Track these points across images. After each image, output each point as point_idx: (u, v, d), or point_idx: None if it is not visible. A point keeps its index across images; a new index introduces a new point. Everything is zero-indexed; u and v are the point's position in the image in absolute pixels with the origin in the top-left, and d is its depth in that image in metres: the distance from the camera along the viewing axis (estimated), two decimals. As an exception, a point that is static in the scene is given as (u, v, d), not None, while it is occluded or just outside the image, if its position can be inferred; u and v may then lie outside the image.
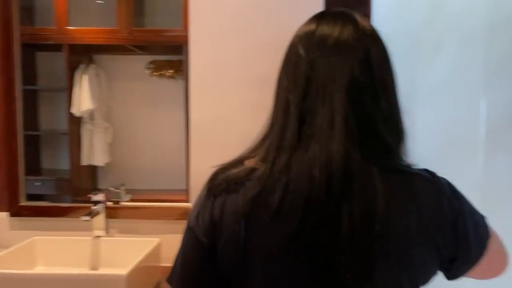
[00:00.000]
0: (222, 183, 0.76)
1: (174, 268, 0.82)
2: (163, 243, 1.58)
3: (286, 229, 0.70)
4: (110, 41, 1.95)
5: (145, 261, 1.45)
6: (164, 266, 1.57)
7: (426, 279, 0.77)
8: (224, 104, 1.04)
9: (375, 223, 0.69)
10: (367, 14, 1.11)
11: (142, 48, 2.14)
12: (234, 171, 0.76)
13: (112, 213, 1.62)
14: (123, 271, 1.28)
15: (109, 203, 1.65)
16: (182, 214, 1.47)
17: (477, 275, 0.83)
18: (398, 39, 1.11)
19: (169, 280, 0.82)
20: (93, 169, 2.23)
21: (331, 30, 0.76)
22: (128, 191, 1.86)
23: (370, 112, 0.73)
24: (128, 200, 1.75)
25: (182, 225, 1.55)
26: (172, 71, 2.22)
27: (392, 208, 0.70)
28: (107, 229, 1.58)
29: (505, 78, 1.15)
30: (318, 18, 0.80)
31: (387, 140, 0.74)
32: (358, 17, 0.79)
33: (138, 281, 1.41)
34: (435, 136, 1.16)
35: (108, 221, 1.60)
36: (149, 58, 2.22)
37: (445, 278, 0.80)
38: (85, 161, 2.19)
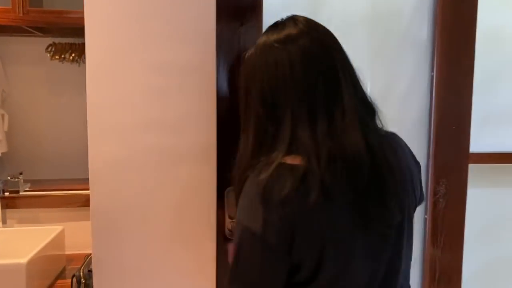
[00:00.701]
0: (288, 193, 0.80)
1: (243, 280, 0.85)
2: (67, 231, 1.59)
3: (348, 202, 0.84)
4: (3, 21, 1.86)
5: (47, 249, 1.46)
6: (69, 254, 1.60)
7: None
8: (122, 89, 1.09)
9: (402, 175, 0.92)
10: (259, 4, 1.23)
11: (42, 30, 2.06)
12: (289, 178, 0.81)
13: (10, 203, 1.60)
14: (23, 259, 1.30)
15: (6, 193, 1.63)
16: (86, 201, 1.49)
17: None
18: None
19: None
20: (-12, 160, 2.16)
21: (311, 32, 0.89)
22: (30, 182, 1.83)
23: (365, 94, 0.92)
24: (28, 189, 1.74)
25: (86, 212, 1.57)
26: (74, 54, 2.18)
27: (405, 162, 0.95)
28: (4, 220, 1.56)
29: (383, 63, 1.34)
30: (293, 23, 0.90)
31: (378, 114, 0.93)
32: None
33: (40, 269, 1.42)
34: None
35: (6, 211, 1.58)
36: (50, 40, 2.15)
37: None
38: (-23, 150, 2.10)
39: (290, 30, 0.89)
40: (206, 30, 1.10)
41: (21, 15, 1.85)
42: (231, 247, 1.16)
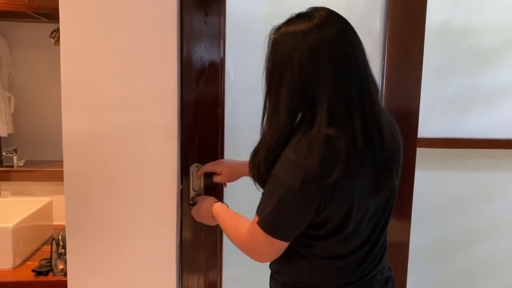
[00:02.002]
0: (339, 175, 0.96)
1: (277, 224, 1.03)
2: (57, 204, 1.78)
3: (369, 172, 1.01)
4: (9, 7, 1.95)
5: (34, 217, 1.65)
6: (57, 224, 1.78)
7: None
8: (93, 71, 1.22)
9: (399, 148, 1.10)
10: (222, 2, 1.36)
11: (47, 16, 2.15)
12: (338, 159, 0.96)
13: (4, 176, 1.78)
14: (10, 224, 1.48)
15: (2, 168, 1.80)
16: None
17: None
18: (248, 25, 1.42)
19: (270, 230, 1.03)
20: (-5, 140, 2.28)
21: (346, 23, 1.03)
22: (33, 162, 1.99)
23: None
24: (22, 164, 1.93)
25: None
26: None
27: (400, 136, 1.13)
28: (-1, 191, 1.75)
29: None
30: (321, 12, 1.02)
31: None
32: None
33: (27, 235, 1.61)
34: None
35: (0, 184, 1.76)
36: (55, 26, 2.19)
37: None
38: (-15, 131, 2.20)
39: (322, 16, 1.00)
40: (169, 18, 1.24)
41: (27, 1, 1.94)
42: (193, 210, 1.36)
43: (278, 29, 1.05)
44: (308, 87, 0.99)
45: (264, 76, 1.07)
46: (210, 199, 1.33)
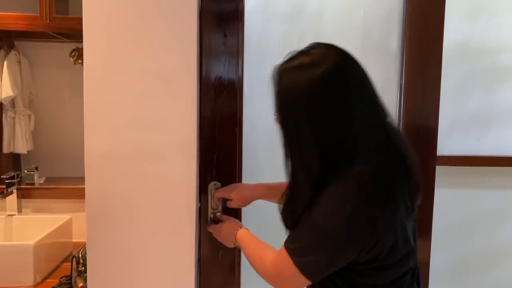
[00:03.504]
0: (386, 215, 0.98)
1: (316, 266, 1.02)
2: (76, 221, 1.82)
3: (405, 198, 1.02)
4: (30, 27, 2.03)
5: (54, 234, 1.68)
6: (76, 241, 1.82)
7: None
8: (115, 91, 1.26)
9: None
10: (240, 17, 1.39)
11: (66, 35, 2.23)
12: (383, 197, 0.98)
13: (25, 194, 1.84)
14: (31, 241, 1.52)
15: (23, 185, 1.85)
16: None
17: None
18: (265, 44, 1.46)
19: (309, 275, 1.02)
20: (16, 157, 2.29)
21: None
22: (53, 179, 2.05)
23: None
24: (42, 182, 1.98)
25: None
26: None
27: None
28: (20, 209, 1.79)
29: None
30: (343, 55, 1.03)
31: None
32: None
33: (47, 252, 1.64)
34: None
35: (22, 201, 1.81)
36: (74, 46, 2.28)
37: None
38: (6, 148, 2.23)
39: (322, 53, 1.02)
40: (189, 39, 1.28)
41: (48, 22, 2.02)
42: (214, 229, 1.37)
43: (280, 68, 1.05)
44: (327, 127, 0.99)
45: (277, 120, 1.05)
46: (236, 223, 1.33)
